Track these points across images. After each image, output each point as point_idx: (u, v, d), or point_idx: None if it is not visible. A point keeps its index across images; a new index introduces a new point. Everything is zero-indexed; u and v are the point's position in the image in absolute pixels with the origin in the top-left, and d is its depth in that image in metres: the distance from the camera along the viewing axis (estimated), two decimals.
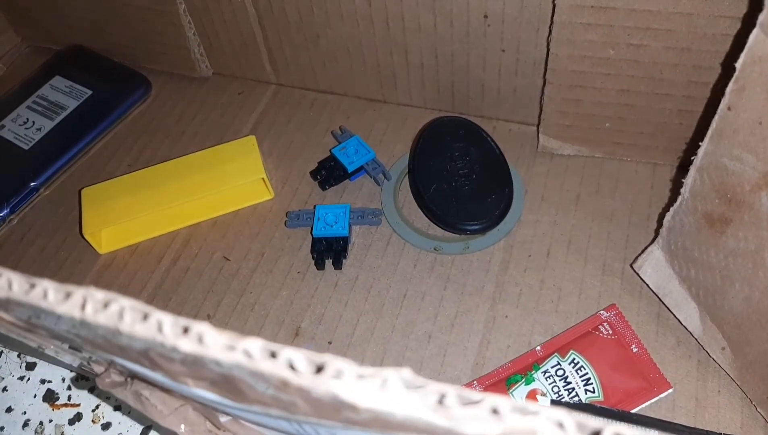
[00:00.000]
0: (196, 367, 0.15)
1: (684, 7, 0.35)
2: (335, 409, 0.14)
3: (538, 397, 0.35)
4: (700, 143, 0.31)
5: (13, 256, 0.47)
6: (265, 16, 0.49)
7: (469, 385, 0.37)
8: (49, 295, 0.15)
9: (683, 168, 0.44)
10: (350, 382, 0.13)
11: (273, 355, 0.14)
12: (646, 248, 0.39)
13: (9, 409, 0.43)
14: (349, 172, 0.47)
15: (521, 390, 0.36)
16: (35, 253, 0.47)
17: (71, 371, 0.44)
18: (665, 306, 0.38)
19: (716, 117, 0.30)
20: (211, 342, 0.14)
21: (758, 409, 0.34)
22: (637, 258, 0.40)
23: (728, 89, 0.28)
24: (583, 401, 0.35)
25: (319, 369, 0.13)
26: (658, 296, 0.38)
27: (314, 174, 0.48)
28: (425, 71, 0.48)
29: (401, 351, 0.39)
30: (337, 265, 0.43)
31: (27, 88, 0.56)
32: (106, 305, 0.15)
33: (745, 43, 0.26)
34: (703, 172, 0.32)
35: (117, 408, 0.42)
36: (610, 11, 0.37)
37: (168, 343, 0.14)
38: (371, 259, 0.43)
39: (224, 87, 0.56)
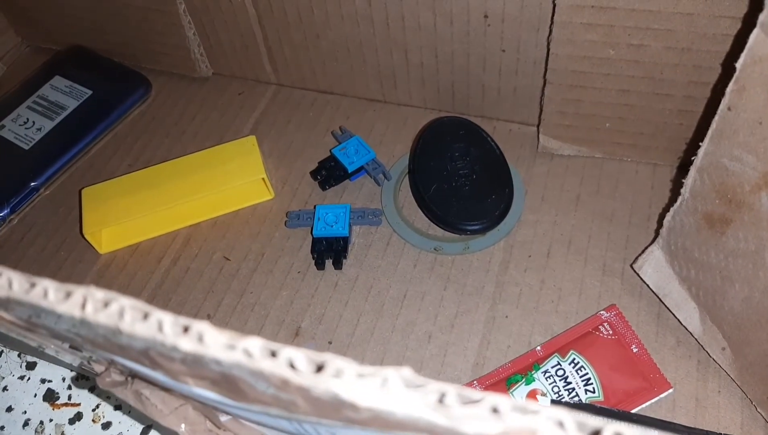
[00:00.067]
0: (197, 366, 0.15)
1: (684, 7, 0.35)
2: (335, 408, 0.14)
3: (539, 397, 0.35)
4: (701, 143, 0.31)
5: (14, 256, 0.47)
6: (265, 16, 0.49)
7: (469, 385, 0.37)
8: (49, 294, 0.15)
9: (683, 168, 0.44)
10: (350, 381, 0.13)
11: (273, 354, 0.14)
12: (646, 248, 0.39)
13: (9, 409, 0.43)
14: (350, 172, 0.47)
15: (521, 390, 0.36)
16: (35, 253, 0.47)
17: (71, 371, 0.44)
18: (665, 306, 0.38)
19: (716, 117, 0.30)
20: (212, 341, 0.14)
21: (758, 410, 0.34)
22: (637, 258, 0.40)
23: (728, 89, 0.28)
24: (584, 401, 0.35)
25: (320, 368, 0.13)
26: (658, 296, 0.38)
27: (314, 174, 0.48)
28: (425, 71, 0.48)
29: (401, 351, 0.39)
30: (338, 265, 0.43)
31: (27, 88, 0.56)
32: (106, 304, 0.15)
33: (745, 43, 0.26)
34: (704, 173, 0.32)
35: (117, 407, 0.42)
36: (611, 11, 0.37)
37: (168, 342, 0.14)
38: (371, 259, 0.43)
39: (224, 87, 0.56)
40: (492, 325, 0.39)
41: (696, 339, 0.37)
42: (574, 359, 0.36)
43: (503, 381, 0.36)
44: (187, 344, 0.14)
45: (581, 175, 0.46)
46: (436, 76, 0.48)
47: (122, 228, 0.46)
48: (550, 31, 0.39)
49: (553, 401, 0.35)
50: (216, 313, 0.42)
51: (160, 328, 0.14)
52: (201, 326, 0.14)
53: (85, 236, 0.45)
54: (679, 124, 0.42)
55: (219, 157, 0.47)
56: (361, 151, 0.47)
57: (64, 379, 0.44)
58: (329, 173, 0.47)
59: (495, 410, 0.12)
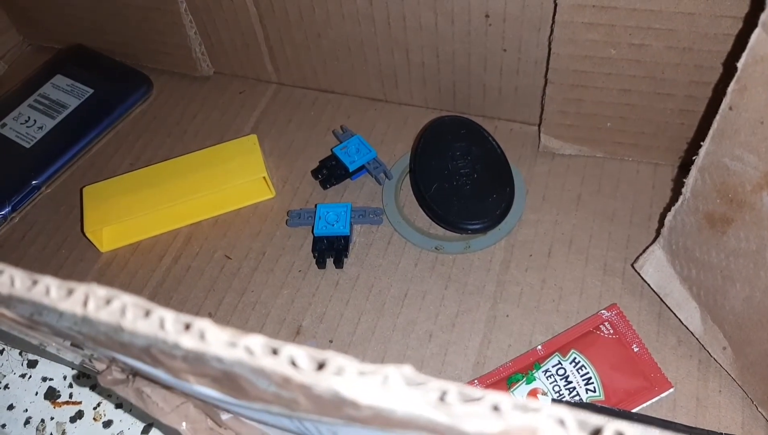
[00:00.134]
0: (198, 363, 0.15)
1: (685, 6, 0.35)
2: (336, 406, 0.14)
3: (539, 396, 0.35)
4: (702, 143, 0.31)
5: (15, 254, 0.47)
6: (266, 15, 0.49)
7: (470, 384, 0.37)
8: (51, 291, 0.15)
9: (685, 168, 0.44)
10: (351, 378, 0.13)
11: (274, 351, 0.14)
12: (647, 248, 0.39)
13: (11, 407, 0.43)
14: (351, 171, 0.47)
15: (522, 389, 0.36)
16: (37, 252, 0.47)
17: (73, 369, 0.44)
18: (666, 306, 0.38)
19: (718, 117, 0.30)
20: (213, 339, 0.14)
21: (759, 409, 0.34)
22: (638, 258, 0.40)
23: (730, 89, 0.28)
24: (584, 400, 0.35)
25: (321, 366, 0.13)
26: (659, 296, 0.38)
27: (315, 173, 0.48)
28: (426, 70, 0.48)
29: (402, 350, 0.39)
30: (339, 264, 0.43)
31: (28, 86, 0.56)
32: (108, 302, 0.15)
33: (746, 42, 0.26)
34: (705, 172, 0.32)
35: (118, 406, 0.42)
36: (612, 11, 0.37)
37: (170, 339, 0.14)
38: (372, 258, 0.43)
39: (225, 86, 0.56)
40: (493, 324, 0.39)
41: (697, 338, 0.37)
42: (575, 358, 0.36)
43: (504, 380, 0.36)
44: (188, 342, 0.14)
45: (582, 174, 0.46)
46: (438, 76, 0.48)
47: (123, 226, 0.46)
48: (552, 31, 0.39)
49: (553, 400, 0.35)
50: (217, 312, 0.42)
51: (162, 325, 0.14)
52: (202, 324, 0.14)
53: (87, 235, 0.45)
54: (681, 124, 0.42)
55: (220, 155, 0.47)
56: (362, 150, 0.47)
57: (65, 377, 0.44)
58: (330, 172, 0.47)
59: (496, 408, 0.12)
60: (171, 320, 0.14)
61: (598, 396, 0.35)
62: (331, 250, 0.43)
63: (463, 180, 0.43)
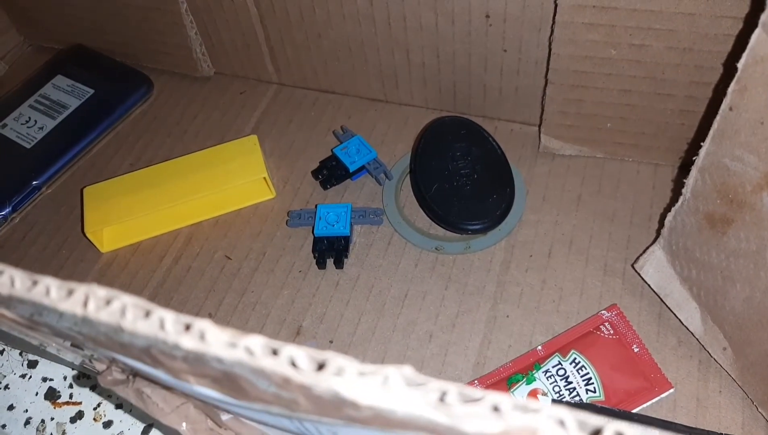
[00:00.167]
0: (198, 364, 0.15)
1: (686, 7, 0.35)
2: (336, 407, 0.14)
3: (539, 396, 0.35)
4: (702, 144, 0.31)
5: (15, 255, 0.47)
6: (266, 16, 0.49)
7: (470, 384, 0.37)
8: (51, 292, 0.15)
9: (685, 168, 0.43)
10: (351, 379, 0.13)
11: (274, 352, 0.14)
12: (647, 248, 0.39)
13: (11, 407, 0.43)
14: (351, 171, 0.47)
15: (522, 389, 0.36)
16: (37, 252, 0.47)
17: (73, 369, 0.44)
18: (666, 306, 0.38)
19: (718, 117, 0.30)
20: (213, 339, 0.14)
21: (759, 410, 0.34)
22: (638, 258, 0.40)
23: (730, 89, 0.28)
24: (584, 401, 0.35)
25: (321, 366, 0.13)
26: (659, 296, 0.38)
27: (316, 173, 0.48)
28: (427, 71, 0.48)
29: (402, 350, 0.39)
30: (339, 264, 0.43)
31: (29, 87, 0.56)
32: (108, 302, 0.15)
33: (746, 43, 0.26)
34: (705, 173, 0.32)
35: (119, 406, 0.42)
36: (612, 11, 0.37)
37: (170, 340, 0.14)
38: (372, 258, 0.43)
39: (226, 86, 0.56)
40: (493, 325, 0.39)
41: (697, 339, 0.37)
42: (575, 359, 0.36)
43: (504, 380, 0.36)
44: (188, 342, 0.14)
45: (582, 175, 0.46)
46: (438, 76, 0.48)
47: (124, 227, 0.46)
48: (552, 31, 0.39)
49: (554, 401, 0.35)
50: (217, 312, 0.42)
51: (162, 326, 0.14)
52: (202, 324, 0.14)
53: (87, 235, 0.45)
54: (681, 124, 0.42)
55: (220, 156, 0.47)
56: (362, 150, 0.47)
57: (65, 378, 0.44)
58: (330, 173, 0.47)
59: (496, 409, 0.12)
60: (171, 321, 0.14)
61: (598, 396, 0.35)
62: (331, 250, 0.43)
63: (463, 180, 0.43)
